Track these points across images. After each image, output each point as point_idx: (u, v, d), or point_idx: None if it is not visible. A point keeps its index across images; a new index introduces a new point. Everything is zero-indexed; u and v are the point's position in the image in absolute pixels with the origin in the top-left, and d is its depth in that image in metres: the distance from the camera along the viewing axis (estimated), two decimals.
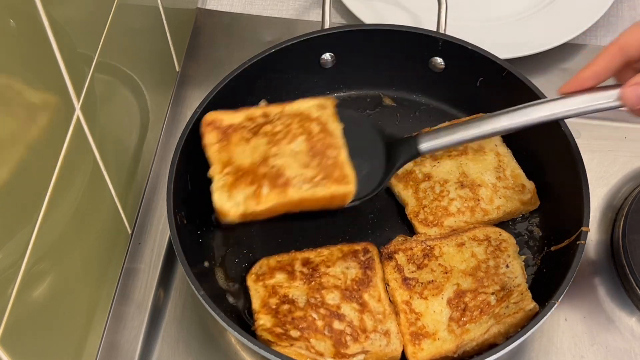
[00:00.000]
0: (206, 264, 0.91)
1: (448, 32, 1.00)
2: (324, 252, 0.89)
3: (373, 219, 0.95)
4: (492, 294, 0.85)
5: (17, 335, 0.65)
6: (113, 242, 0.90)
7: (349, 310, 0.84)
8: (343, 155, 0.84)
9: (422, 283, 0.86)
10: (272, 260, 0.88)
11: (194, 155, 0.92)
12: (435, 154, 0.96)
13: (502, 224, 0.93)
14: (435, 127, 0.92)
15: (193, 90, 1.10)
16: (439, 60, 1.00)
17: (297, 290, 0.85)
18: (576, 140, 0.88)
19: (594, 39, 1.16)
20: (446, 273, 0.86)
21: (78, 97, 0.74)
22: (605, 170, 1.01)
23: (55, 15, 0.67)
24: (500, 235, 0.90)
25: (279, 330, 0.81)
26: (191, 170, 0.91)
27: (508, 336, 0.80)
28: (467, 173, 0.95)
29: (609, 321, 0.90)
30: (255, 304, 0.84)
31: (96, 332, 0.87)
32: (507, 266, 0.87)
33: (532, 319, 0.79)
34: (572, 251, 0.82)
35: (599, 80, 0.76)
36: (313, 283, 0.85)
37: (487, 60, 0.96)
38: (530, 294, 0.84)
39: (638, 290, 0.89)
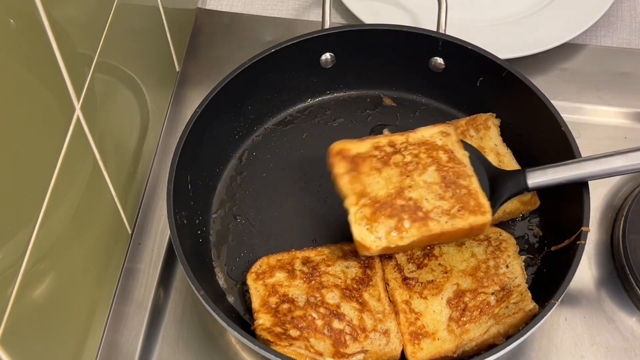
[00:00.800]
0: (206, 263, 0.91)
1: (448, 32, 1.00)
2: (324, 251, 0.89)
3: None
4: (492, 294, 0.85)
5: (17, 335, 0.65)
6: (113, 242, 0.90)
7: (348, 309, 0.84)
8: (475, 183, 0.84)
9: (421, 283, 0.86)
10: (272, 259, 0.88)
11: (194, 155, 0.92)
12: None
13: (502, 224, 0.94)
14: (545, 166, 0.88)
15: (193, 90, 1.10)
16: (439, 60, 1.00)
17: (297, 289, 0.85)
18: (576, 140, 0.88)
19: (594, 39, 1.16)
20: (446, 273, 0.86)
21: (78, 97, 0.74)
22: None
23: (55, 15, 0.67)
24: (500, 235, 0.90)
25: (278, 329, 0.81)
26: (191, 170, 0.91)
27: (507, 336, 0.81)
28: None
29: (609, 321, 0.90)
30: (255, 303, 0.84)
31: (96, 332, 0.87)
32: (507, 266, 0.87)
33: (531, 319, 0.79)
34: (572, 251, 0.82)
35: None
36: (313, 282, 0.85)
37: (487, 60, 0.96)
38: (530, 295, 0.84)
39: (638, 290, 0.89)
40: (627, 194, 0.99)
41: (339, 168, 0.85)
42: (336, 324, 0.82)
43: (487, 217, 0.82)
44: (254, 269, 0.87)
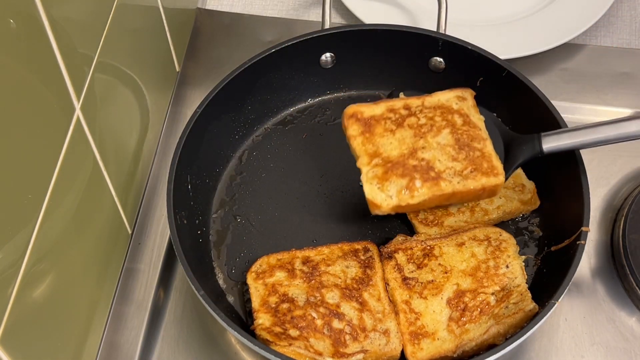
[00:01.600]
0: (206, 263, 0.91)
1: (448, 32, 1.00)
2: (324, 250, 0.89)
3: (373, 219, 0.95)
4: (492, 294, 0.85)
5: (17, 335, 0.65)
6: (113, 242, 0.90)
7: (348, 309, 0.84)
8: (489, 147, 0.84)
9: (421, 283, 0.86)
10: (272, 259, 0.88)
11: (194, 155, 0.92)
12: None
13: (502, 224, 0.94)
14: (560, 129, 0.88)
15: (193, 90, 1.10)
16: (439, 60, 1.00)
17: (297, 289, 0.85)
18: None
19: (594, 39, 1.16)
20: (446, 273, 0.86)
21: (78, 97, 0.74)
22: (605, 170, 1.01)
23: (55, 15, 0.67)
24: (500, 235, 0.90)
25: (278, 329, 0.81)
26: (191, 170, 0.91)
27: (507, 336, 0.81)
28: None
29: (609, 321, 0.90)
30: (255, 302, 0.84)
31: (96, 332, 0.87)
32: (507, 266, 0.87)
33: (531, 319, 0.79)
34: (572, 251, 0.82)
35: None
36: (313, 282, 0.85)
37: (487, 60, 0.96)
38: (530, 295, 0.84)
39: (638, 290, 0.89)
40: (627, 194, 0.99)
41: (353, 130, 0.85)
42: (336, 324, 0.82)
43: (500, 179, 0.82)
44: (254, 268, 0.87)
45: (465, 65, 0.98)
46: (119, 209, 0.90)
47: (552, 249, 0.89)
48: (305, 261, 0.87)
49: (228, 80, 0.94)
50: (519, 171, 0.95)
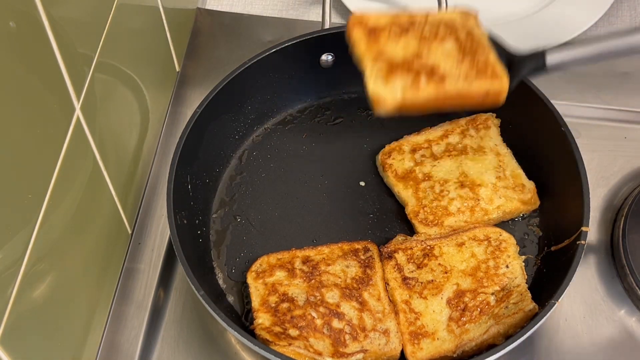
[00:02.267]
0: (206, 263, 0.91)
1: None
2: (324, 250, 0.89)
3: (373, 219, 0.95)
4: (492, 294, 0.85)
5: (17, 335, 0.65)
6: (113, 242, 0.90)
7: (348, 308, 0.84)
8: (493, 56, 0.82)
9: (421, 283, 0.86)
10: (272, 258, 0.88)
11: (194, 155, 0.92)
12: (435, 154, 0.96)
13: (502, 224, 0.94)
14: (564, 44, 0.86)
15: (193, 90, 1.10)
16: None
17: (297, 289, 0.85)
18: (576, 140, 0.88)
19: None
20: (446, 273, 0.86)
21: (78, 97, 0.74)
22: (605, 170, 1.01)
23: (55, 15, 0.67)
24: (500, 235, 0.90)
25: (277, 329, 0.81)
26: (191, 170, 0.91)
27: (507, 336, 0.80)
28: (467, 173, 0.95)
29: (609, 321, 0.90)
30: (255, 302, 0.84)
31: (96, 332, 0.87)
32: (507, 266, 0.87)
33: (531, 319, 0.79)
34: (572, 251, 0.82)
35: None
36: (313, 281, 0.85)
37: None
38: (529, 295, 0.84)
39: (638, 290, 0.89)
40: (627, 194, 0.99)
41: (357, 34, 0.83)
42: (336, 324, 0.82)
43: (504, 84, 0.80)
44: (254, 267, 0.87)
45: None
46: (119, 209, 0.90)
47: (552, 249, 0.89)
48: (305, 261, 0.87)
49: (228, 80, 0.94)
50: (519, 171, 0.95)
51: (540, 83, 0.94)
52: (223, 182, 0.99)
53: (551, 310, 0.78)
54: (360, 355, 0.81)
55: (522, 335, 0.76)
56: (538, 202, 0.94)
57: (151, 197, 0.99)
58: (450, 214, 0.92)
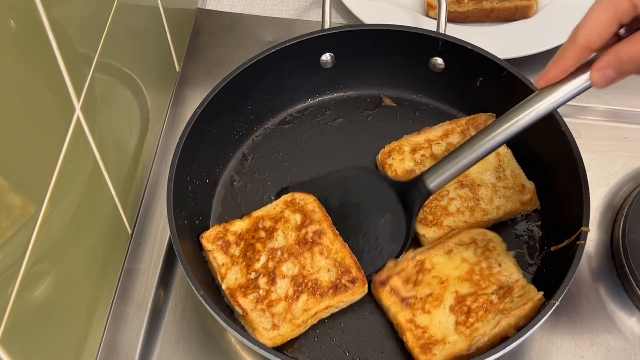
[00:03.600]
0: (206, 263, 0.91)
1: (448, 33, 1.00)
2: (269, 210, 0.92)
3: None
4: (492, 293, 0.84)
5: (17, 335, 0.65)
6: (113, 242, 0.90)
7: (307, 256, 0.86)
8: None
9: (420, 298, 0.85)
10: (223, 228, 0.90)
11: (194, 155, 0.92)
12: (435, 154, 0.96)
13: (502, 224, 0.93)
14: (436, 163, 0.89)
15: (193, 90, 1.10)
16: (439, 60, 1.00)
17: (254, 249, 0.88)
18: (576, 140, 0.88)
19: None
20: (442, 283, 0.86)
21: (78, 97, 0.74)
22: (605, 170, 1.01)
23: (55, 15, 0.67)
24: (485, 235, 0.89)
25: (243, 280, 0.85)
26: (191, 170, 0.91)
27: (519, 327, 0.80)
28: (466, 173, 0.94)
29: (609, 321, 0.90)
30: (216, 262, 0.87)
31: (96, 332, 0.87)
32: (500, 265, 0.86)
33: (541, 308, 0.79)
34: (572, 251, 0.82)
35: (569, 72, 0.74)
36: (267, 240, 0.88)
37: (487, 60, 0.96)
38: (533, 286, 0.83)
39: (638, 290, 0.89)
40: (627, 194, 0.99)
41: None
42: (298, 271, 0.86)
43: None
44: (206, 234, 0.89)
45: (465, 66, 0.98)
46: (119, 209, 0.90)
47: (552, 249, 0.89)
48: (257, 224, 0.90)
49: (228, 80, 0.94)
50: (519, 171, 0.95)
51: None
52: (223, 182, 0.99)
53: (551, 310, 0.78)
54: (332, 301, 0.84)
55: (533, 326, 0.76)
56: (538, 202, 0.94)
57: (151, 197, 0.99)
58: (449, 214, 0.92)
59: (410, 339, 0.83)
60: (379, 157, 0.98)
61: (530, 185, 0.94)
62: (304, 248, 0.87)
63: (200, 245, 0.90)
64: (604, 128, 1.06)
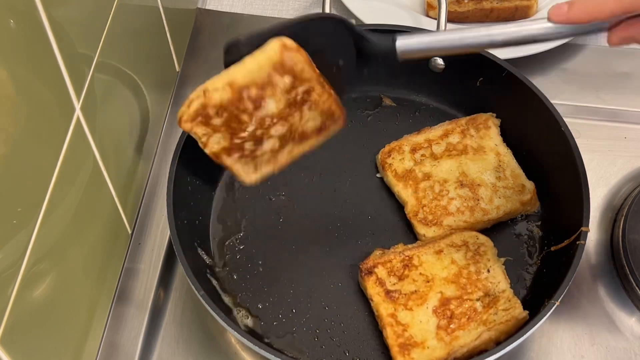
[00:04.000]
0: (206, 263, 0.91)
1: None
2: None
3: (372, 219, 0.95)
4: (477, 300, 0.84)
5: (17, 335, 0.65)
6: (113, 242, 0.90)
7: (296, 115, 0.79)
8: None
9: (405, 294, 0.85)
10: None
11: (194, 155, 0.92)
12: (435, 153, 0.96)
13: (502, 224, 0.94)
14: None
15: (193, 90, 1.09)
16: (439, 60, 1.00)
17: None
18: (576, 140, 0.88)
19: (594, 39, 1.16)
20: (428, 282, 0.85)
21: (78, 97, 0.74)
22: (605, 170, 1.01)
23: (55, 15, 0.67)
24: (477, 239, 0.89)
25: (227, 145, 0.78)
26: (191, 170, 0.91)
27: (499, 342, 0.80)
28: (467, 173, 0.95)
29: (609, 321, 0.90)
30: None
31: (96, 332, 0.87)
32: (489, 271, 0.86)
33: (523, 326, 0.78)
34: (572, 251, 0.82)
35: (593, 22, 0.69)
36: (256, 112, 0.78)
37: (487, 60, 0.96)
38: (519, 302, 0.83)
39: (638, 290, 0.89)
40: (627, 194, 0.99)
41: None
42: (285, 130, 0.79)
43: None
44: (184, 116, 0.80)
45: (465, 65, 0.98)
46: (119, 209, 0.90)
47: (552, 249, 0.89)
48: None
49: None
50: (519, 171, 0.95)
51: (540, 83, 0.94)
52: (223, 182, 0.99)
53: (551, 310, 0.78)
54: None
55: (513, 342, 0.76)
56: (538, 203, 0.94)
57: (151, 197, 0.99)
58: (449, 214, 0.92)
59: (390, 334, 0.82)
60: (379, 157, 0.98)
61: (530, 185, 0.94)
62: (293, 109, 0.78)
63: (200, 245, 0.90)
64: (604, 128, 1.06)
